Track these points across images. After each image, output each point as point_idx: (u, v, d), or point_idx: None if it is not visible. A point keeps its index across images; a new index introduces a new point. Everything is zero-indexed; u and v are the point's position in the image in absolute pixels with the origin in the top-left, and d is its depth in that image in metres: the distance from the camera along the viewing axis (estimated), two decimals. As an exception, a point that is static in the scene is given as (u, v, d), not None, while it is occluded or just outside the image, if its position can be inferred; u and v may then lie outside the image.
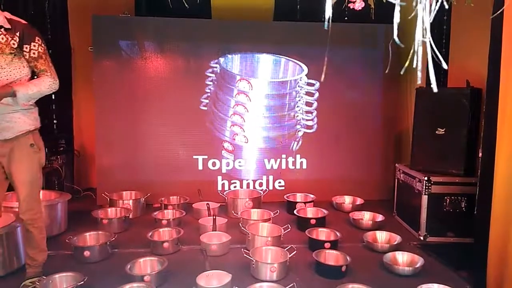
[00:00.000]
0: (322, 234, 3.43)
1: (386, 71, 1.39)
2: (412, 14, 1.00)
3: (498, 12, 2.30)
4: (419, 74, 0.99)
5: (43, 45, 2.51)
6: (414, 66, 1.00)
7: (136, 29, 4.53)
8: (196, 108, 4.66)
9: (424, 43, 0.98)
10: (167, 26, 4.56)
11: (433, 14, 1.01)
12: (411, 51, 1.00)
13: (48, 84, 2.53)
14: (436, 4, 1.01)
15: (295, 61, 4.73)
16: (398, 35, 1.06)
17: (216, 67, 4.65)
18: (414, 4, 0.99)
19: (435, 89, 1.00)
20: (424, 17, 0.97)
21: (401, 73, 1.12)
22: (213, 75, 4.64)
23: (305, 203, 4.29)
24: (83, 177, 5.18)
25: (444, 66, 1.01)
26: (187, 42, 4.59)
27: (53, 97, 4.99)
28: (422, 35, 0.97)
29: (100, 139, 4.56)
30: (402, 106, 4.94)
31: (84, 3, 4.70)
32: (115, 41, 4.49)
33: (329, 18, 1.07)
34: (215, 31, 4.65)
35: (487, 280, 2.68)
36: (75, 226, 3.68)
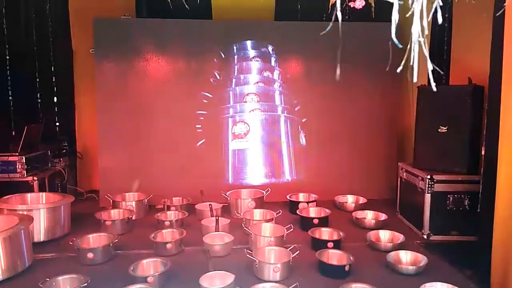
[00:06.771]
0: (325, 233, 3.42)
1: (387, 68, 1.38)
2: (409, 13, 0.99)
3: (500, 12, 2.29)
4: (415, 72, 0.99)
5: None
6: (411, 63, 0.99)
7: (137, 31, 4.54)
8: (198, 109, 4.66)
9: (420, 42, 0.98)
10: (168, 28, 4.57)
11: (430, 14, 1.00)
12: (407, 50, 0.99)
13: None
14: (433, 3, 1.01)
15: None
16: (398, 34, 1.05)
17: (218, 68, 4.66)
18: (410, 1, 0.99)
19: (434, 88, 0.99)
20: (422, 15, 0.97)
21: (398, 71, 1.11)
22: (216, 75, 4.65)
23: (307, 202, 4.28)
24: (86, 179, 5.19)
25: (430, 67, 1.00)
26: (188, 43, 4.60)
27: (56, 100, 5.02)
28: (418, 34, 0.97)
29: (102, 141, 4.58)
30: (404, 104, 4.93)
31: (85, 6, 4.71)
32: (116, 43, 4.50)
33: (334, 18, 1.07)
34: (216, 31, 4.66)
35: (491, 278, 2.67)
36: (78, 228, 3.68)
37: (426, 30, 1.00)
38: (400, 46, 1.06)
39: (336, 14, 1.08)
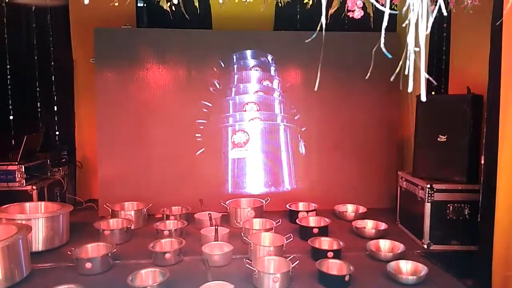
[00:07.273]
0: (325, 243, 3.41)
1: (366, 77, 1.38)
2: (406, 22, 1.00)
3: (498, 21, 2.31)
4: (410, 82, 0.99)
5: None
6: (406, 73, 1.00)
7: (138, 41, 4.57)
8: (198, 118, 4.67)
9: (416, 52, 0.98)
10: (168, 38, 4.59)
11: (429, 23, 1.01)
12: (402, 59, 1.00)
13: None
14: (431, 13, 1.01)
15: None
16: (397, 43, 1.05)
17: (217, 77, 4.68)
18: (405, 9, 0.99)
19: (423, 98, 1.00)
20: (418, 24, 0.98)
21: (391, 80, 1.12)
22: (215, 84, 4.66)
23: (307, 212, 4.26)
24: (85, 188, 5.18)
25: (427, 76, 1.00)
26: (188, 53, 4.62)
27: (56, 109, 5.03)
28: (414, 44, 0.97)
29: (102, 150, 4.58)
30: (403, 113, 4.94)
31: (86, 16, 4.74)
32: (116, 53, 4.53)
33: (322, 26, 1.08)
34: (216, 41, 4.68)
35: (492, 287, 2.66)
36: (77, 238, 3.66)
37: (424, 39, 1.01)
38: (390, 56, 1.07)
39: (333, 23, 1.09)
